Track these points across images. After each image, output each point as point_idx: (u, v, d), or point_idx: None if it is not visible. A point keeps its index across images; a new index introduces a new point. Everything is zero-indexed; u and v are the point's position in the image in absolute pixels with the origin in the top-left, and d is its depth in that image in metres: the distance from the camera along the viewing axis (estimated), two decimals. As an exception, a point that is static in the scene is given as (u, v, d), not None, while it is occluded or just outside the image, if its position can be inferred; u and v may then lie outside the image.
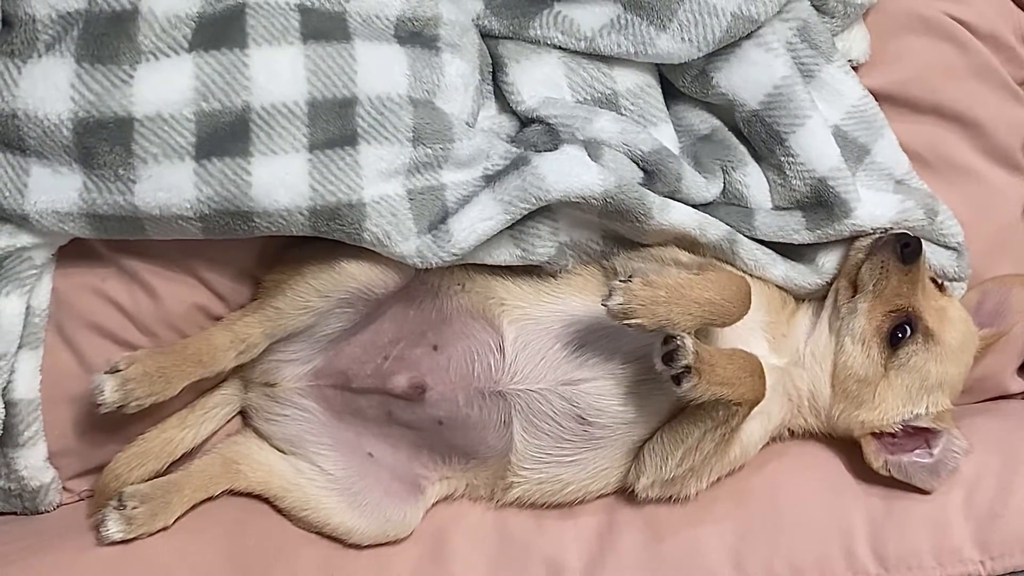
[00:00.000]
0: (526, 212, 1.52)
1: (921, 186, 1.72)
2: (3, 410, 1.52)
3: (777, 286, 1.67)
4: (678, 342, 1.42)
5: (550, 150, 1.56)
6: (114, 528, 1.53)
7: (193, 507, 1.59)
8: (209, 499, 1.61)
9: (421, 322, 1.60)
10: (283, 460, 1.62)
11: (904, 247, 1.58)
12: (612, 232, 1.62)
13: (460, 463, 1.63)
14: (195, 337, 1.58)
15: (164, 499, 1.55)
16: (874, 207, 1.64)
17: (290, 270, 1.56)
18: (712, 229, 1.60)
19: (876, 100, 1.72)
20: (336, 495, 1.60)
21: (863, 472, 1.65)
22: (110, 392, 1.48)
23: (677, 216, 1.58)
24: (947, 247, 1.71)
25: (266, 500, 1.62)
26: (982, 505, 1.62)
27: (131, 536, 1.53)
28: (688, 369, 1.41)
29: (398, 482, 1.62)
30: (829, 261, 1.67)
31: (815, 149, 1.62)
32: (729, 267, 1.60)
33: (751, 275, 1.64)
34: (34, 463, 1.58)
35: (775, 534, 1.60)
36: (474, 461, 1.62)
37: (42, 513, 1.64)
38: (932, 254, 1.69)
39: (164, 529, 1.56)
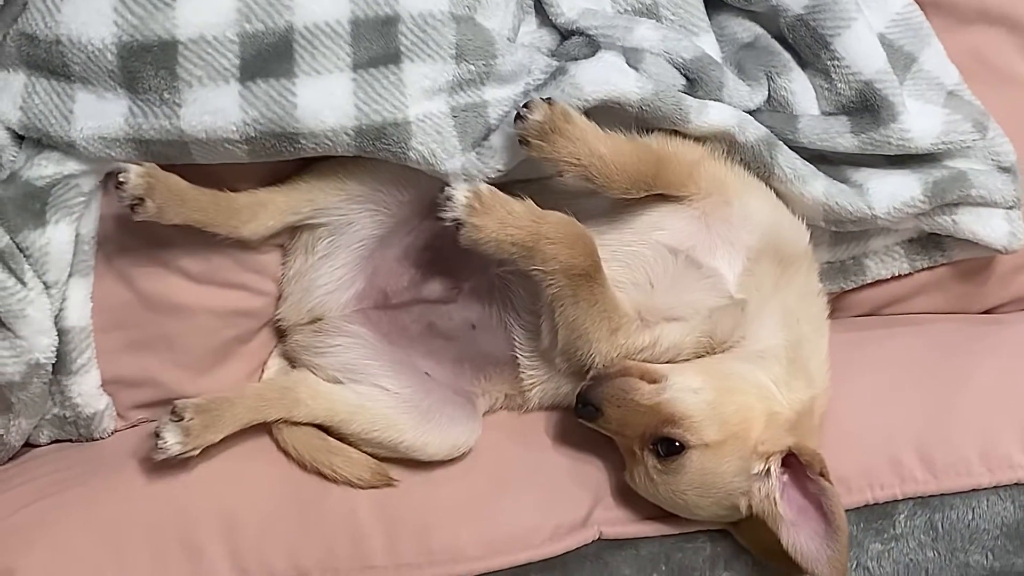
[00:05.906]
0: None
1: (973, 100, 1.69)
2: (56, 338, 1.53)
3: None
4: (448, 193, 1.41)
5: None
6: (172, 440, 1.49)
7: (244, 431, 1.57)
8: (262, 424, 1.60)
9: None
10: (343, 387, 1.61)
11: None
12: None
13: (496, 372, 1.63)
14: None
15: (217, 413, 1.53)
16: (921, 116, 1.62)
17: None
18: (751, 128, 1.58)
19: (920, 7, 1.69)
20: (406, 412, 1.58)
21: (905, 384, 1.65)
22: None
23: (716, 115, 1.56)
24: (1000, 168, 1.68)
25: (327, 430, 1.59)
26: (1030, 411, 1.62)
27: (188, 448, 1.49)
28: (460, 222, 1.41)
29: (458, 396, 1.62)
30: (878, 189, 1.61)
31: (861, 51, 1.60)
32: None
33: (789, 187, 1.59)
34: (87, 390, 1.60)
35: (819, 446, 1.60)
36: (506, 368, 1.63)
37: (97, 440, 1.66)
38: (987, 177, 1.65)
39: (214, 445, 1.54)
